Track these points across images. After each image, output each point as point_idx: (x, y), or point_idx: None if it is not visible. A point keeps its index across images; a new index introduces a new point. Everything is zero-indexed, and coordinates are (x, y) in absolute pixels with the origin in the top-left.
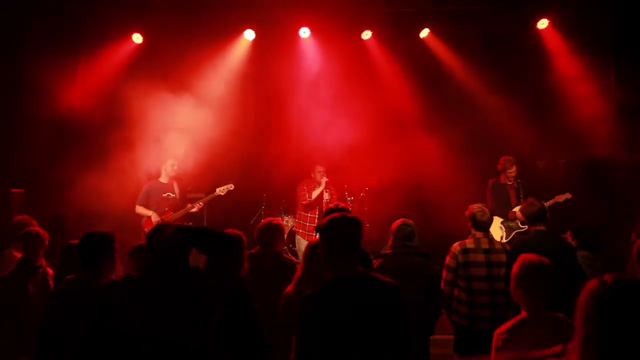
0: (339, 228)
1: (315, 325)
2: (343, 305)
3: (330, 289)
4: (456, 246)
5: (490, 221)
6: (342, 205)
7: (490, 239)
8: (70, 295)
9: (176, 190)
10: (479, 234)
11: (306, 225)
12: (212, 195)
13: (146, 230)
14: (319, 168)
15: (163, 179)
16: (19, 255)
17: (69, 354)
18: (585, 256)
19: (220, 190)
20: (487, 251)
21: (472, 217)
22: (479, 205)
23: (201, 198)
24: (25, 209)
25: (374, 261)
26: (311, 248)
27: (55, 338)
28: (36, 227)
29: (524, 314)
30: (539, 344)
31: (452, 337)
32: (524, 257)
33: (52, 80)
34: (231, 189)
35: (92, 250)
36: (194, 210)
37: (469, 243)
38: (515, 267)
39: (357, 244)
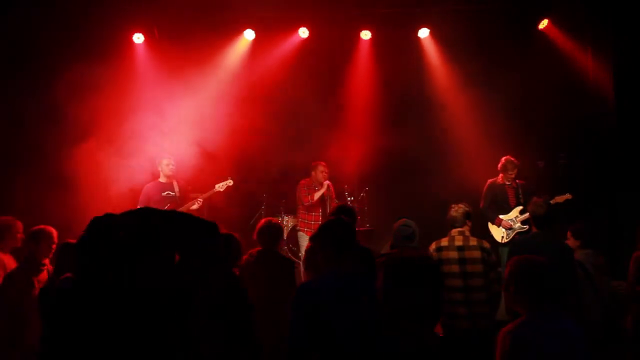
0: (325, 234)
1: (301, 313)
2: (327, 295)
3: (318, 281)
4: (432, 245)
5: (462, 216)
6: (341, 203)
7: (466, 236)
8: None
9: (176, 188)
10: (453, 232)
11: (311, 224)
12: (211, 192)
13: None
14: (321, 168)
15: (162, 179)
16: (4, 256)
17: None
18: (588, 254)
19: (220, 187)
20: (460, 248)
21: (448, 214)
22: (457, 203)
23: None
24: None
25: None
26: (309, 252)
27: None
28: (48, 227)
29: (523, 314)
30: (540, 344)
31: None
32: (517, 258)
33: (53, 81)
34: (230, 184)
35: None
36: (194, 207)
37: (444, 241)
38: (508, 268)
39: (346, 245)
